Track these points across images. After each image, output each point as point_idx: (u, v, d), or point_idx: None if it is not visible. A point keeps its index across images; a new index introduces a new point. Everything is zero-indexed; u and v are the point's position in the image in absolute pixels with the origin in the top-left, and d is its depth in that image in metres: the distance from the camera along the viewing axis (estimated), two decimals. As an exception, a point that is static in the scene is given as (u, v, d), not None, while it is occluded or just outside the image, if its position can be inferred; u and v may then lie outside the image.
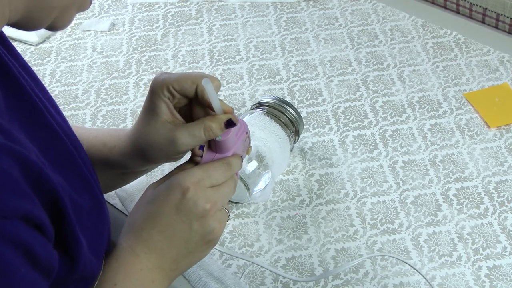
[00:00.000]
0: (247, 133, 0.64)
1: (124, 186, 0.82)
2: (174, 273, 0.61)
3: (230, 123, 0.60)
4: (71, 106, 0.98)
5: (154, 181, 0.63)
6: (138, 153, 0.66)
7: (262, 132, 0.80)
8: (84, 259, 0.52)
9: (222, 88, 1.00)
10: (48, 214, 0.47)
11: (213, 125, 0.59)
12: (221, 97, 0.98)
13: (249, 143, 0.66)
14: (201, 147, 0.61)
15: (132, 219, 0.61)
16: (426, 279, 0.74)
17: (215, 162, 0.60)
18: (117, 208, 0.84)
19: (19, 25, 0.50)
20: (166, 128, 0.61)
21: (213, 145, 0.61)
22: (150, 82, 0.63)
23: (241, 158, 0.63)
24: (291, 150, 0.87)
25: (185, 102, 0.63)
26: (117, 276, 0.58)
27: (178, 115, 0.62)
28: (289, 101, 0.88)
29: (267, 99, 0.86)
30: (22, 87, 0.54)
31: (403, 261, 0.75)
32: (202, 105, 0.61)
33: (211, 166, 0.60)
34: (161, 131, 0.62)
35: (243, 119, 0.83)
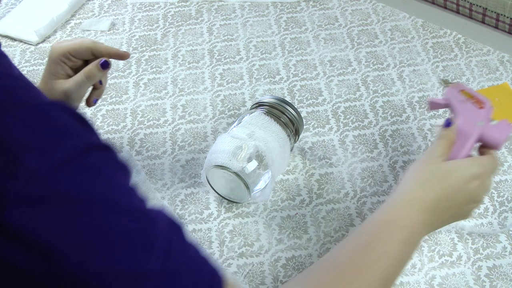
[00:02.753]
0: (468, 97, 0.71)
1: None
2: (431, 230, 0.64)
3: (105, 64, 0.79)
4: (71, 105, 0.98)
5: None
6: None
7: (262, 131, 0.80)
8: None
9: (222, 88, 1.00)
10: None
11: (94, 70, 0.78)
12: (221, 97, 0.98)
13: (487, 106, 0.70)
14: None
15: (420, 176, 0.64)
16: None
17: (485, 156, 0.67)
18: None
19: None
20: (59, 83, 0.78)
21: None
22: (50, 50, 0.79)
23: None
24: (291, 149, 0.87)
25: (80, 64, 0.80)
26: (406, 218, 0.60)
27: (73, 74, 0.79)
28: (289, 101, 0.88)
29: (267, 98, 0.86)
30: None
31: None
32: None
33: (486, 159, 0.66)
34: (56, 86, 0.78)
35: (243, 119, 0.83)
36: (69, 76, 0.79)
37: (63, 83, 0.78)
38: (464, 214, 0.66)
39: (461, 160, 0.65)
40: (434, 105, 0.74)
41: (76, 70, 0.79)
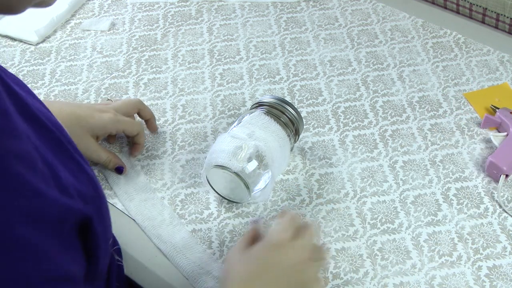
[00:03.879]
0: None
1: (124, 186, 0.85)
2: None
3: (120, 170, 0.86)
4: (71, 105, 0.98)
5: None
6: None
7: (262, 131, 0.80)
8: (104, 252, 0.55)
9: (222, 87, 1.00)
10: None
11: (110, 165, 0.86)
12: (221, 97, 0.98)
13: None
14: None
15: (231, 276, 0.63)
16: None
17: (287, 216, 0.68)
18: (117, 208, 0.84)
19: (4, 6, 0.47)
20: (90, 141, 0.84)
21: None
22: (102, 113, 0.86)
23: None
24: (291, 149, 0.87)
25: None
26: None
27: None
28: (289, 101, 0.88)
29: (267, 98, 0.86)
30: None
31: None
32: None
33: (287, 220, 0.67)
34: (88, 141, 0.83)
35: (243, 119, 0.83)
36: (98, 137, 0.86)
37: (92, 145, 0.84)
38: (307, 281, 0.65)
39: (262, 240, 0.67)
40: (488, 121, 0.90)
41: None
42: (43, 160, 0.48)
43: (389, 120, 0.93)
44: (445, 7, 1.13)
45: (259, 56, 1.05)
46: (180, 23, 1.13)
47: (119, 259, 0.77)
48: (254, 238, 0.67)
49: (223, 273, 0.65)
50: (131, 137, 0.90)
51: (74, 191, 0.50)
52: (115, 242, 0.76)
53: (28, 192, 0.44)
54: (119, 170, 0.86)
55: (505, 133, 0.87)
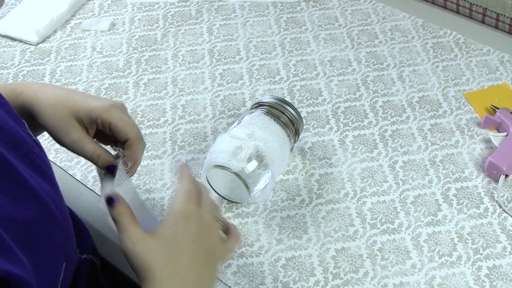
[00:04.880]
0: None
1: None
2: None
3: (110, 168, 0.67)
4: (71, 105, 0.98)
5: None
6: (32, 119, 0.68)
7: (262, 131, 0.80)
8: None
9: (222, 88, 1.00)
10: None
11: (99, 162, 0.67)
12: (221, 97, 0.98)
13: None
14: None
15: (151, 272, 0.57)
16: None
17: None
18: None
19: None
20: (76, 129, 0.67)
21: None
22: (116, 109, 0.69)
23: None
24: (291, 150, 0.87)
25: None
26: None
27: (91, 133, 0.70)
28: (289, 101, 0.88)
29: (267, 98, 0.86)
30: None
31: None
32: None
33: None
34: (72, 128, 0.67)
35: (243, 119, 0.83)
36: (88, 131, 0.69)
37: (75, 132, 0.67)
38: (215, 258, 0.62)
39: (164, 220, 0.61)
40: (488, 121, 0.89)
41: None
42: None
43: (389, 120, 0.93)
44: (445, 7, 1.13)
45: (259, 56, 1.05)
46: (180, 23, 1.13)
47: (93, 258, 0.74)
48: None
49: (138, 268, 0.57)
50: (122, 145, 0.70)
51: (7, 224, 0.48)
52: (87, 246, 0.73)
53: None
54: (110, 168, 0.67)
55: (505, 133, 0.87)
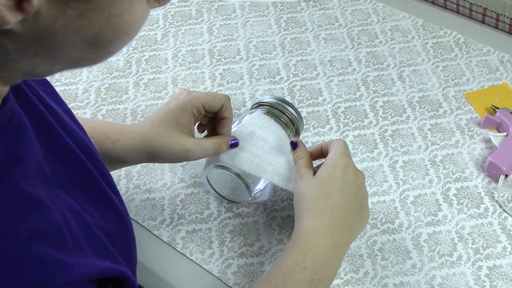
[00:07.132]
0: None
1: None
2: (347, 247, 0.67)
3: (234, 145, 0.74)
4: (71, 105, 0.98)
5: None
6: (146, 152, 0.71)
7: (262, 131, 0.80)
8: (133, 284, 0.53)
9: (222, 88, 1.00)
10: None
11: (223, 145, 0.73)
12: (221, 97, 0.98)
13: None
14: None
15: (305, 205, 0.66)
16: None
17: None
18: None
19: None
20: (183, 138, 0.71)
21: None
22: (178, 96, 0.74)
23: None
24: (291, 150, 0.87)
25: (205, 120, 0.76)
26: (306, 260, 0.62)
27: (192, 127, 0.74)
28: (289, 101, 0.88)
29: (267, 98, 0.86)
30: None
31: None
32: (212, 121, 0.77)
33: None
34: (179, 140, 0.71)
35: (243, 118, 0.83)
36: (190, 130, 0.73)
37: (188, 140, 0.71)
38: (362, 212, 0.69)
39: (324, 164, 0.69)
40: (488, 121, 0.90)
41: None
42: (73, 222, 0.47)
43: (389, 120, 0.93)
44: (445, 7, 1.13)
45: (259, 56, 1.05)
46: (180, 23, 1.13)
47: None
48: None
49: (298, 203, 0.67)
50: (215, 114, 0.75)
51: (102, 234, 0.51)
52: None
53: (53, 268, 0.43)
54: (235, 144, 0.74)
55: (505, 133, 0.87)
